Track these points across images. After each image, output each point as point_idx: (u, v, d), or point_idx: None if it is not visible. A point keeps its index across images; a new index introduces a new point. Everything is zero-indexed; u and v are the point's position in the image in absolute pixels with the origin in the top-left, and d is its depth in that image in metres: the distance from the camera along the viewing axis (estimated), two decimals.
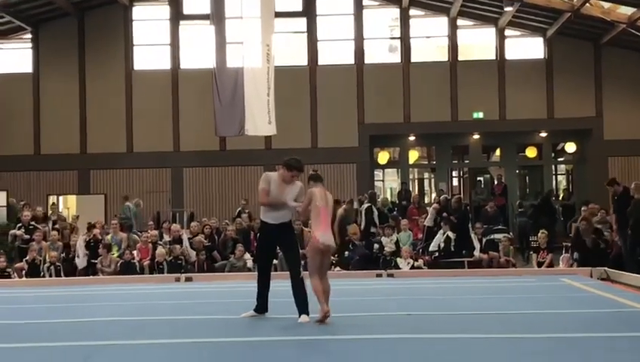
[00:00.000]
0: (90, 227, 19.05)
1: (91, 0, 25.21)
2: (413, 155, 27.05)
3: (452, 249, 17.41)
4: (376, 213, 18.77)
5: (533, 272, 16.12)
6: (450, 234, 17.50)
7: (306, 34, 25.57)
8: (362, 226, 18.62)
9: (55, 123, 25.13)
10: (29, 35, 25.60)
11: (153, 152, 24.92)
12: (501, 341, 7.77)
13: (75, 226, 20.26)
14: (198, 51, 24.85)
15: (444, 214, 18.05)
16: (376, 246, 17.97)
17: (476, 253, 17.32)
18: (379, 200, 21.00)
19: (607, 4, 22.00)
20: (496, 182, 25.65)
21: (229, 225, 19.18)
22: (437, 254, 17.52)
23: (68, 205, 24.88)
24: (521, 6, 22.83)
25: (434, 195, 24.54)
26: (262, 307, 9.53)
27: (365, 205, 19.05)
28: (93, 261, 17.49)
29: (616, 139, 24.59)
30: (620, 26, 22.31)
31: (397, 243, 17.98)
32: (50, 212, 20.76)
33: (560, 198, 25.93)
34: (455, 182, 28.06)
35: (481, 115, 25.13)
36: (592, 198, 21.43)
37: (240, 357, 7.29)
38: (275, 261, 14.97)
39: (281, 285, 9.77)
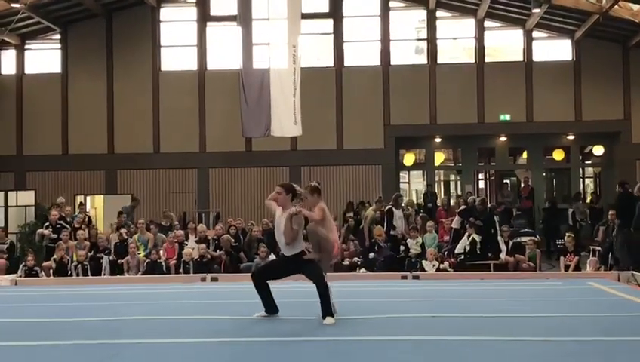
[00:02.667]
0: (119, 227, 19.20)
1: (119, 1, 25.41)
2: (439, 157, 26.98)
3: (478, 251, 17.32)
4: (397, 215, 18.63)
5: (560, 276, 16.02)
6: (476, 236, 17.41)
7: (332, 35, 25.57)
8: (384, 228, 18.55)
9: (83, 123, 25.32)
10: (58, 36, 25.82)
11: (180, 153, 25.05)
12: (526, 344, 7.73)
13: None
14: (224, 52, 24.97)
15: (471, 219, 17.93)
16: (401, 248, 17.95)
17: (502, 255, 17.21)
18: (403, 204, 20.85)
19: (635, 6, 21.79)
20: (522, 185, 25.54)
21: (255, 226, 19.20)
22: (462, 256, 17.44)
23: (95, 205, 25.07)
24: (549, 8, 22.67)
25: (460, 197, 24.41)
26: (271, 308, 9.63)
27: (387, 207, 18.93)
28: (119, 261, 17.60)
29: None
30: None
31: (422, 245, 17.93)
32: (78, 211, 20.89)
33: (588, 201, 25.73)
34: (481, 184, 27.94)
35: (508, 117, 24.97)
36: None
37: (264, 356, 7.32)
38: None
39: (303, 286, 9.80)
